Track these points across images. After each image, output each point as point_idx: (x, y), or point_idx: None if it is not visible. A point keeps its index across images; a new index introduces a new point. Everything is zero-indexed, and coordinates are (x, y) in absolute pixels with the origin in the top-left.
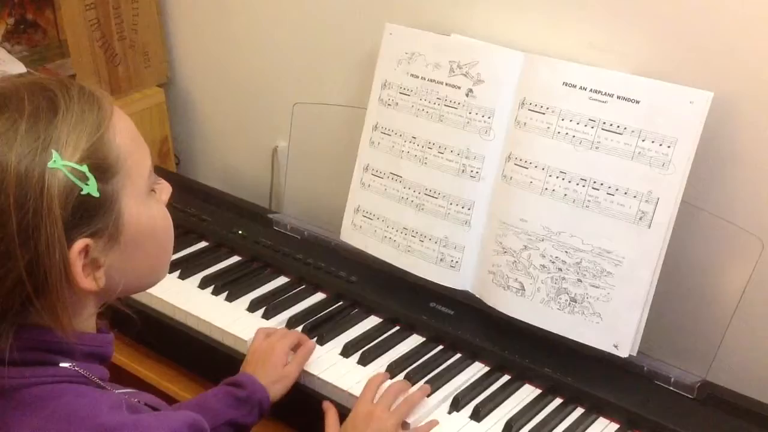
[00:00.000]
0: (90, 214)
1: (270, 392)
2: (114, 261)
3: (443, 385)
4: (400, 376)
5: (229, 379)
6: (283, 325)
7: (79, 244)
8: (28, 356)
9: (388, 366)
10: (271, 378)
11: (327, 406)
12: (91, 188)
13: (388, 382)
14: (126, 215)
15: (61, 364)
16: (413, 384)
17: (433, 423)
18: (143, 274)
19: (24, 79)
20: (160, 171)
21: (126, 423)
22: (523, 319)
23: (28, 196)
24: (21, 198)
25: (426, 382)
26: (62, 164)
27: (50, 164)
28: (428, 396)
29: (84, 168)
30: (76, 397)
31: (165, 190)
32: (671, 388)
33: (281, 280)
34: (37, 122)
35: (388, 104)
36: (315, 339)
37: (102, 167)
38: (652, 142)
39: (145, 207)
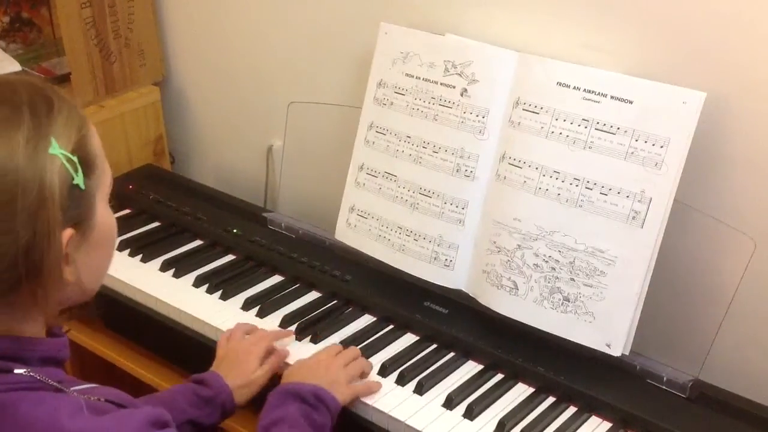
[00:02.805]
0: (75, 205)
1: (236, 396)
2: (82, 258)
3: (437, 383)
4: (394, 375)
5: (196, 376)
6: (277, 324)
7: (68, 232)
8: None
9: (382, 364)
10: (239, 382)
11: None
12: (80, 179)
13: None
14: (98, 214)
15: (16, 371)
16: (405, 384)
17: (377, 384)
18: (97, 277)
19: (9, 75)
20: (154, 169)
21: (87, 427)
22: (516, 318)
23: (33, 177)
24: (27, 179)
25: (419, 381)
26: (60, 152)
27: (50, 150)
28: (421, 395)
29: (75, 158)
30: (34, 405)
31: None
32: (663, 387)
33: (275, 279)
34: (38, 111)
35: (383, 103)
36: (309, 337)
37: (86, 162)
38: (645, 142)
39: (108, 210)
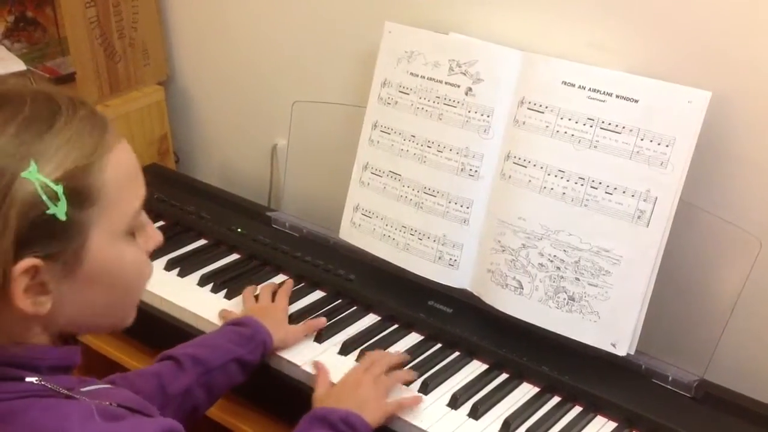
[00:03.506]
0: (49, 235)
1: (273, 338)
2: (67, 291)
3: (441, 383)
4: None
5: (230, 320)
6: None
7: (27, 262)
8: None
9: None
10: (274, 327)
11: (319, 365)
12: (59, 211)
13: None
14: (92, 249)
15: (27, 379)
16: (409, 384)
17: (418, 398)
18: (98, 313)
19: (37, 86)
20: (159, 169)
21: None
22: (521, 318)
23: None
24: None
25: (424, 380)
26: (36, 177)
27: (24, 173)
28: (426, 395)
29: (59, 188)
30: (43, 411)
31: (152, 239)
32: (669, 386)
33: (280, 278)
34: (29, 129)
35: (388, 103)
36: (313, 337)
37: (80, 193)
38: (651, 141)
39: (116, 247)
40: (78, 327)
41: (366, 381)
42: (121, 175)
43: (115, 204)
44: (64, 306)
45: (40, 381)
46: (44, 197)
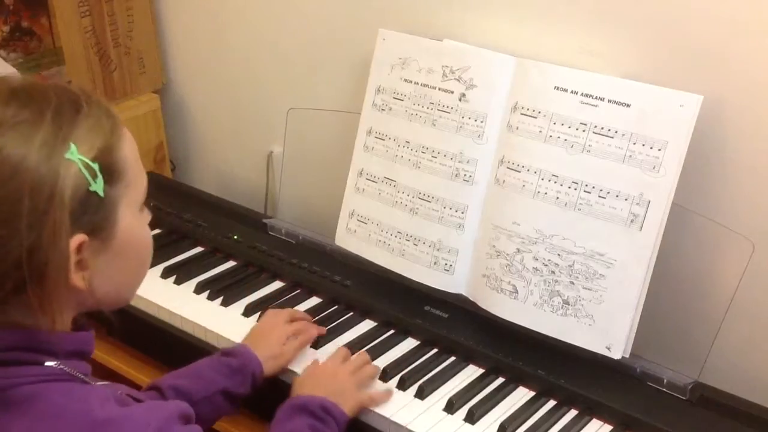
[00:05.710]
0: (92, 212)
1: (264, 367)
2: (99, 266)
3: (438, 388)
4: (395, 380)
5: (223, 350)
6: None
7: (78, 238)
8: (12, 356)
9: (383, 369)
10: (268, 353)
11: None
12: (98, 186)
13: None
14: (121, 223)
15: (47, 363)
16: (406, 389)
17: (389, 393)
18: (121, 286)
19: (44, 82)
20: (155, 176)
21: (117, 416)
22: (516, 322)
23: (44, 180)
24: (38, 181)
25: (420, 386)
26: (78, 157)
27: (67, 155)
28: (422, 399)
29: (95, 166)
30: (64, 394)
31: (149, 214)
32: (664, 389)
33: (276, 285)
34: (62, 116)
35: (382, 109)
36: (310, 343)
37: (110, 170)
38: (643, 145)
39: (137, 220)
40: (102, 303)
41: (343, 372)
42: (133, 152)
43: (134, 179)
44: (98, 281)
45: (59, 365)
46: (87, 174)
